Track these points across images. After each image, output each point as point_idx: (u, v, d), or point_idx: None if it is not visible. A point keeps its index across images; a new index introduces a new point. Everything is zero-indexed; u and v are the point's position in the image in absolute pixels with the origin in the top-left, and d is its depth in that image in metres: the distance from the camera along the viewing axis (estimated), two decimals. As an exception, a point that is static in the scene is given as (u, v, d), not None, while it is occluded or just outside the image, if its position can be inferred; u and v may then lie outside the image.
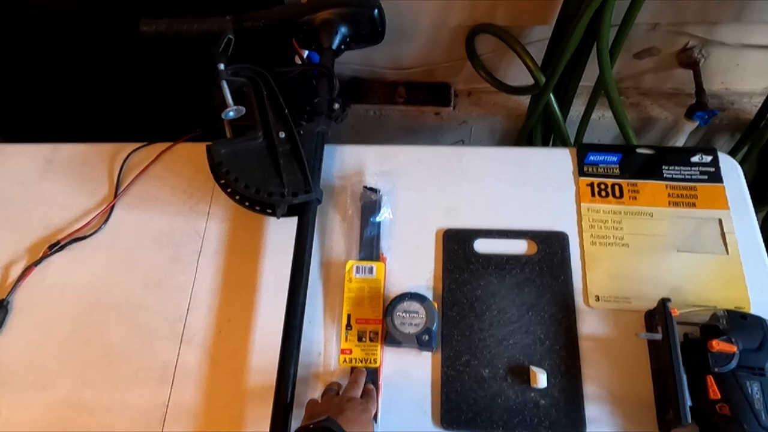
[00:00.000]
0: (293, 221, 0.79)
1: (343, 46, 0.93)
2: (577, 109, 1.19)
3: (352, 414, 0.63)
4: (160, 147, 0.92)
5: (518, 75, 1.13)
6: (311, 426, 0.59)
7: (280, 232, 0.83)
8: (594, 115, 1.18)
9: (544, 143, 1.25)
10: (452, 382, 0.72)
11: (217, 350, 0.76)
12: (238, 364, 0.75)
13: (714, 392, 0.64)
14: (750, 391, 0.64)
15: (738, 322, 0.68)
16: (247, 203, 0.81)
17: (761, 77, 1.13)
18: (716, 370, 0.65)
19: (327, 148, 0.87)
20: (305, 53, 0.92)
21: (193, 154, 0.91)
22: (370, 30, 0.95)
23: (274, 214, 0.79)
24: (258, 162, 0.79)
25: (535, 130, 1.21)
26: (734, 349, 0.65)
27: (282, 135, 0.80)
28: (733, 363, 0.65)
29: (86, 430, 0.72)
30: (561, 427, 0.69)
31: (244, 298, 0.79)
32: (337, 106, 0.86)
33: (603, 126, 1.26)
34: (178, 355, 0.76)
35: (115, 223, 0.87)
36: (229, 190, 0.81)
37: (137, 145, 0.93)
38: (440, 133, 1.34)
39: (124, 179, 0.90)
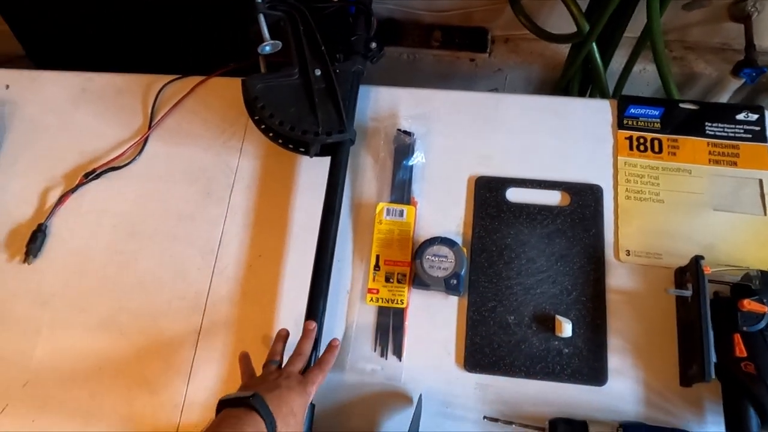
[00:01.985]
0: (325, 161, 0.79)
1: (382, -17, 0.91)
2: (618, 60, 1.15)
3: (288, 393, 0.58)
4: (193, 80, 0.92)
5: (559, 22, 1.09)
6: (234, 398, 0.56)
7: (312, 171, 0.83)
8: (635, 68, 1.14)
9: (581, 95, 1.21)
10: (477, 327, 0.73)
11: (247, 283, 0.78)
12: (268, 297, 0.77)
13: (740, 350, 0.65)
14: (777, 352, 0.64)
15: (771, 283, 0.68)
16: (280, 140, 0.81)
17: (816, 35, 1.08)
18: (744, 328, 0.65)
19: (361, 88, 0.86)
20: (343, -11, 0.90)
21: (227, 88, 0.90)
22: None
23: (307, 152, 0.79)
24: (293, 99, 0.78)
25: (572, 81, 1.18)
26: (765, 309, 0.65)
27: (318, 73, 0.79)
28: (763, 323, 0.65)
29: (122, 353, 0.75)
30: (583, 375, 0.70)
31: (274, 235, 0.80)
32: (374, 45, 0.84)
33: (643, 80, 1.22)
34: (209, 286, 0.78)
35: (149, 154, 0.88)
36: (263, 126, 0.80)
37: (171, 77, 0.92)
38: (474, 80, 1.30)
39: (157, 111, 0.90)
